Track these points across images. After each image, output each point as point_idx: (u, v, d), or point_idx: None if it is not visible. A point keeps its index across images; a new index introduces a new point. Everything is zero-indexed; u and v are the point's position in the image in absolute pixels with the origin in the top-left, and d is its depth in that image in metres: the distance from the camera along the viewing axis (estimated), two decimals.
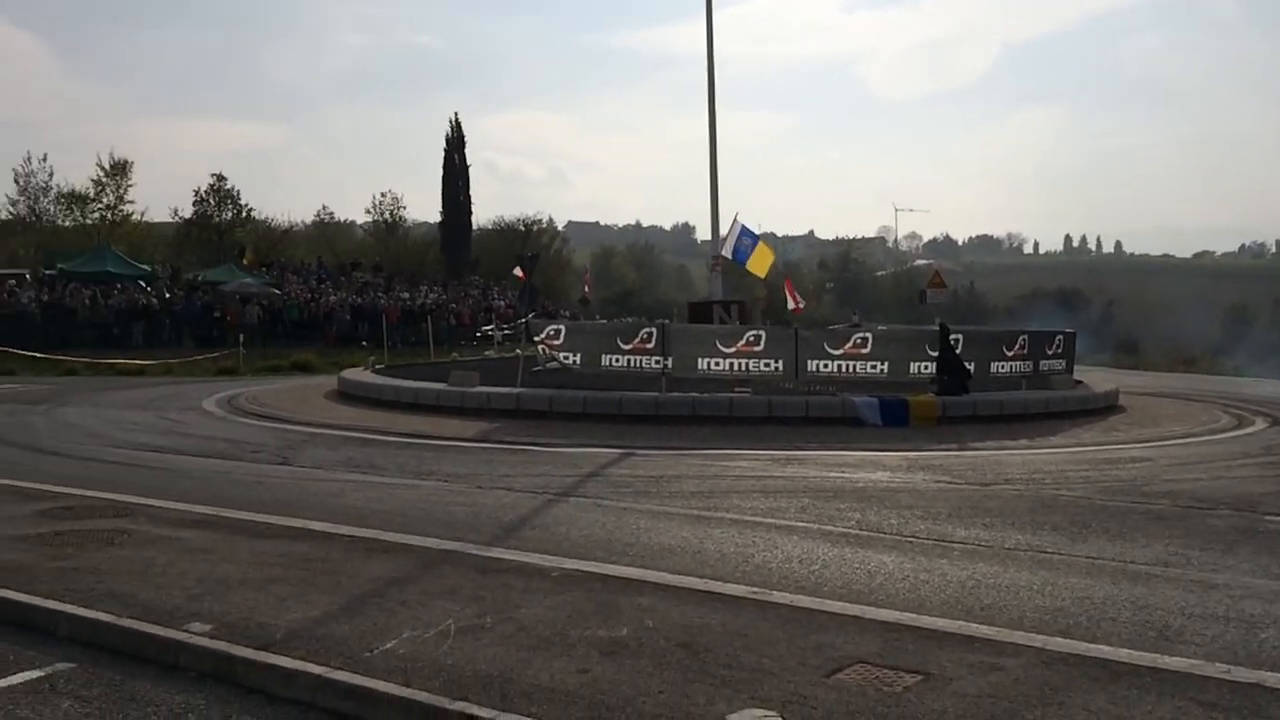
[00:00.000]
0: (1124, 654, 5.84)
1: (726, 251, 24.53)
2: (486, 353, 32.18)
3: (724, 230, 24.71)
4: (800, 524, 9.57)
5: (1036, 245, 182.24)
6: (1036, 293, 76.90)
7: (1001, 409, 18.96)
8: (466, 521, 9.60)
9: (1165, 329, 59.78)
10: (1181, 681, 5.41)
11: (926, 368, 19.78)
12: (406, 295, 46.60)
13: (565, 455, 14.10)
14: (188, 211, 56.84)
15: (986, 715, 4.95)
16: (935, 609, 6.76)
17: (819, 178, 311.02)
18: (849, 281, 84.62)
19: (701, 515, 9.98)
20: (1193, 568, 8.01)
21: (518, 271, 39.38)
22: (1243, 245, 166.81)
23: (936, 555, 8.35)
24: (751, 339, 19.69)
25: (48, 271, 42.24)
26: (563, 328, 21.71)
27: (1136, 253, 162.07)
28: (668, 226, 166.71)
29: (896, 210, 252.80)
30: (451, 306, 45.74)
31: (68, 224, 52.50)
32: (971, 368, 19.82)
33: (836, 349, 19.74)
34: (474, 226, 62.96)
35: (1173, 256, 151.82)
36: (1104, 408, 21.13)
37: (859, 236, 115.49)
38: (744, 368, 19.48)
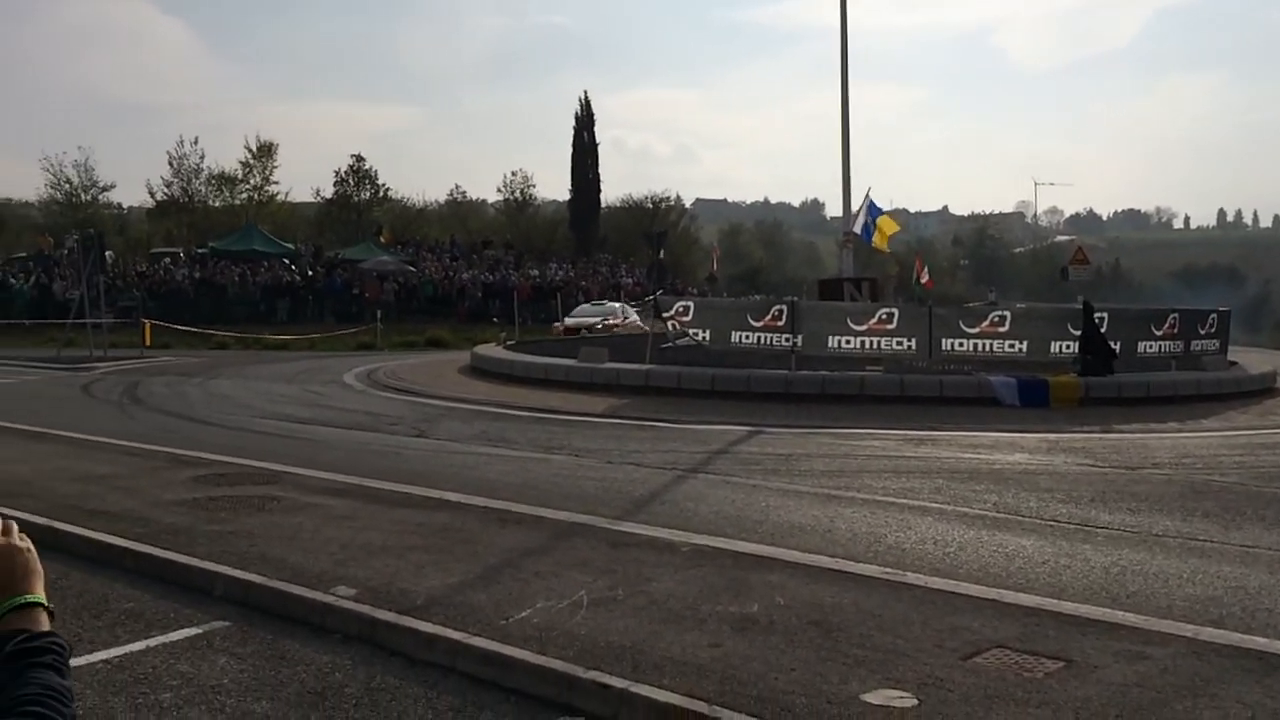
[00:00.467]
0: None
1: (857, 228, 24.14)
2: (615, 329, 32.45)
3: (855, 206, 24.32)
4: (934, 505, 9.38)
5: (1187, 220, 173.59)
6: (1187, 270, 73.47)
7: (1149, 390, 18.16)
8: (597, 495, 9.72)
9: None
10: None
11: (1068, 347, 19.06)
12: (536, 272, 47.31)
13: (694, 432, 14.13)
14: (328, 192, 58.83)
15: (1133, 705, 4.78)
16: (1078, 595, 6.54)
17: (953, 152, 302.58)
18: (985, 258, 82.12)
19: (832, 494, 9.88)
20: None
21: (661, 255, 39.52)
22: None
23: (1079, 540, 8.07)
24: (884, 317, 19.33)
25: (200, 250, 44.33)
26: (691, 304, 21.71)
27: None
28: (796, 203, 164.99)
29: (1036, 184, 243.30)
30: (580, 283, 46.23)
31: (217, 204, 54.87)
32: (1117, 347, 19.03)
33: (973, 327, 19.20)
34: (602, 204, 63.41)
35: None
36: (1260, 390, 20.01)
37: (995, 212, 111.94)
38: (875, 346, 19.14)
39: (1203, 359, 20.79)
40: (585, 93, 61.40)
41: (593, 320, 34.26)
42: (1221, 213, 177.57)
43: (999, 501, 9.55)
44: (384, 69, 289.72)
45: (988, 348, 19.03)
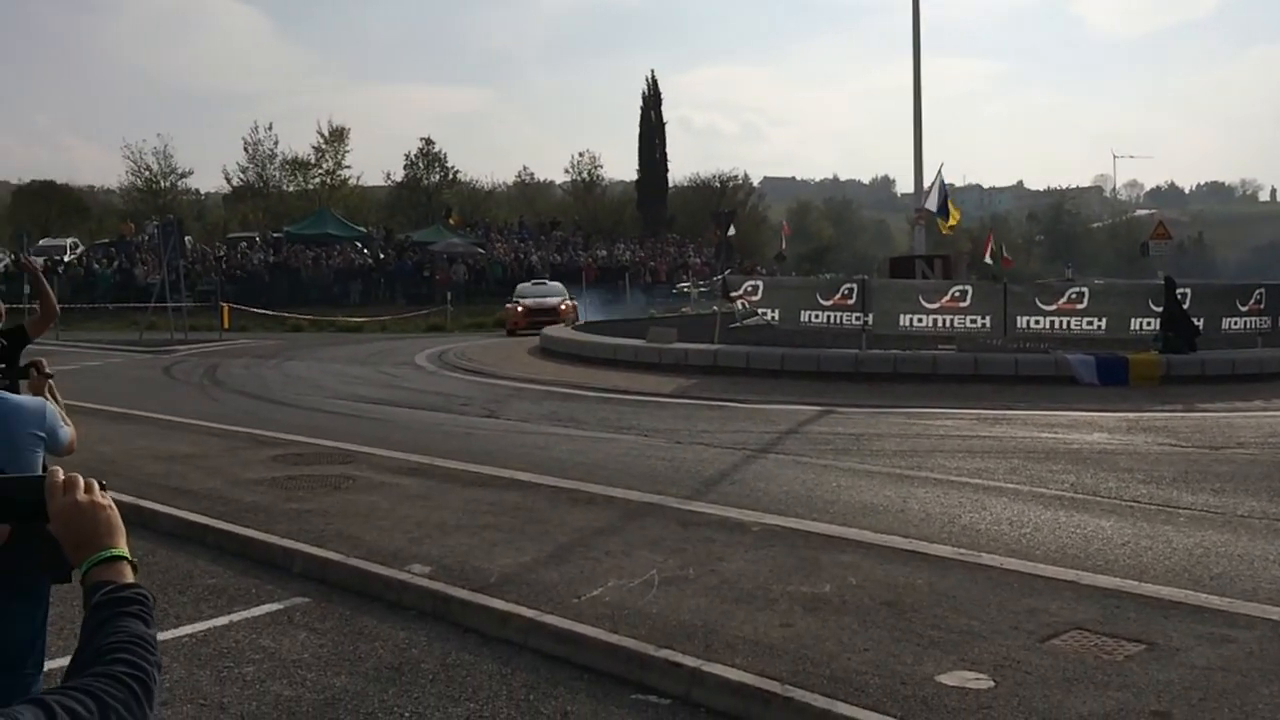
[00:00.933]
0: None
1: (930, 205, 23.77)
2: (683, 309, 32.40)
3: (927, 183, 23.94)
4: (1010, 485, 9.23)
5: (1274, 192, 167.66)
6: (1275, 243, 71.04)
7: (1233, 368, 17.63)
8: (666, 475, 9.74)
9: None
10: None
11: (1149, 324, 18.57)
12: (604, 253, 47.40)
13: (763, 412, 14.07)
14: (399, 175, 59.52)
15: (1217, 689, 4.67)
16: (1159, 577, 6.40)
17: (1029, 125, 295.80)
18: (1061, 234, 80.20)
19: (904, 474, 9.77)
20: None
21: (729, 231, 39.29)
22: None
23: (1160, 521, 7.89)
24: (957, 294, 19.00)
25: (275, 234, 45.17)
26: (760, 283, 21.59)
27: None
28: (866, 180, 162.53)
29: (1115, 157, 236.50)
30: (649, 263, 46.22)
31: (291, 189, 55.82)
32: (1200, 324, 18.50)
33: (1049, 304, 18.80)
34: (670, 184, 63.24)
35: None
36: None
37: (1072, 186, 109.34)
38: (948, 324, 18.84)
39: None
40: (652, 72, 61.21)
41: (554, 302, 31.82)
42: None
43: (1077, 482, 9.36)
44: (453, 51, 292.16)
45: (1065, 325, 18.62)
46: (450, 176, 60.21)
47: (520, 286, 34.88)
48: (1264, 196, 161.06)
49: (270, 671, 5.33)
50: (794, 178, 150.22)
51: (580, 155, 68.07)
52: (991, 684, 4.75)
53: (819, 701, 4.60)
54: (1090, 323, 18.60)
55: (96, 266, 39.54)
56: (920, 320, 18.93)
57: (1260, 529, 7.63)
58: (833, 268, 56.48)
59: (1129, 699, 4.57)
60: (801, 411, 13.90)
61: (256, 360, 22.53)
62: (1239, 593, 6.07)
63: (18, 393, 3.94)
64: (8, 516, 1.53)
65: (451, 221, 49.42)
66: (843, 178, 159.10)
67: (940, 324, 18.87)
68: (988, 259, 36.07)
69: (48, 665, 2.78)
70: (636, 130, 61.83)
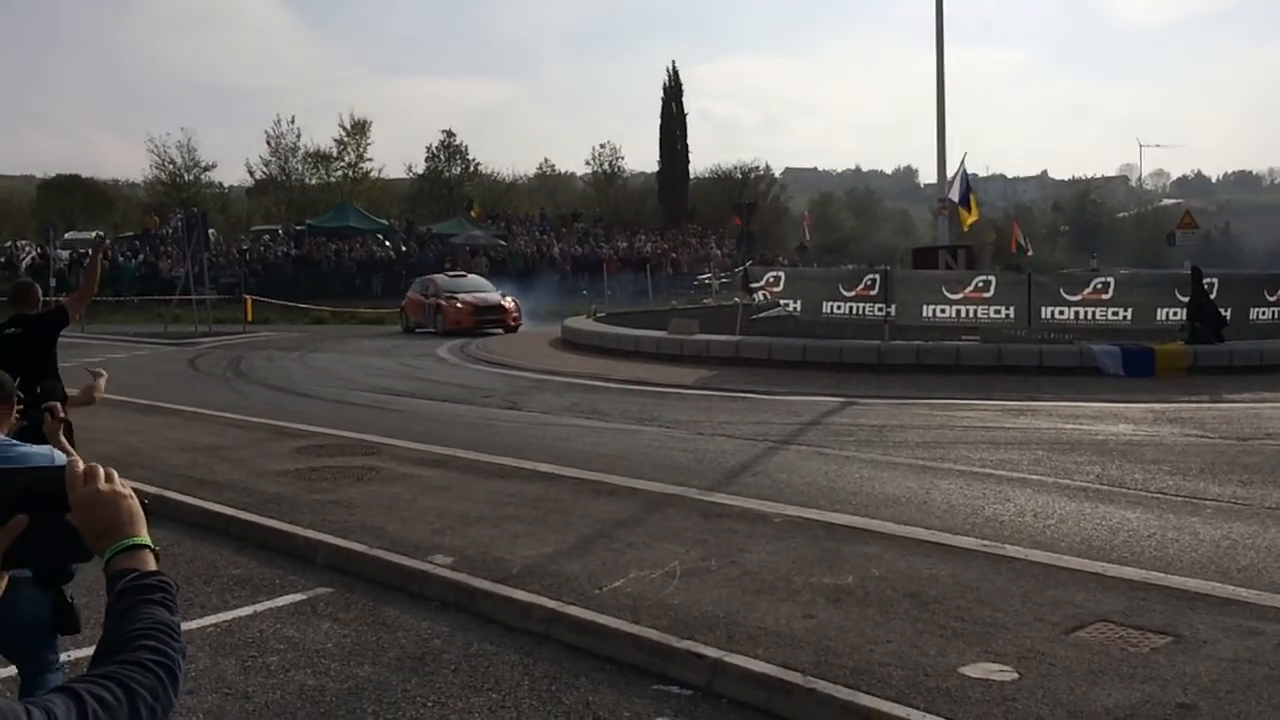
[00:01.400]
0: None
1: (953, 195, 23.62)
2: (705, 301, 32.32)
3: (950, 173, 23.78)
4: (1034, 477, 9.17)
5: None
6: None
7: (1261, 358, 17.43)
8: (688, 467, 9.73)
9: None
10: None
11: (1175, 314, 18.39)
12: (625, 244, 47.36)
13: (785, 403, 14.03)
14: (420, 167, 59.63)
15: (1244, 681, 4.62)
16: (1185, 569, 6.35)
17: (1053, 114, 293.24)
18: (1086, 224, 79.45)
19: (927, 466, 9.72)
20: None
21: (737, 219, 39.14)
22: None
23: (1186, 513, 7.82)
24: (980, 285, 18.89)
25: (297, 227, 45.36)
26: (782, 274, 21.53)
27: None
28: (888, 170, 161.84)
29: (1141, 146, 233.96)
30: (670, 255, 46.16)
31: (313, 182, 56.03)
32: (1227, 314, 18.31)
33: (1074, 295, 18.66)
34: (691, 175, 63.07)
35: None
36: None
37: (1097, 176, 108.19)
38: (971, 315, 18.73)
39: None
40: (673, 63, 60.78)
41: (496, 298, 27.90)
42: None
43: (1102, 473, 9.29)
44: (475, 44, 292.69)
45: (1090, 315, 18.49)
46: (472, 169, 60.28)
47: (437, 279, 28.89)
48: None
49: (294, 661, 5.36)
50: (816, 168, 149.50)
51: (601, 147, 68.06)
52: (1016, 676, 4.72)
53: (841, 693, 4.58)
54: (1115, 313, 18.46)
55: (121, 259, 39.84)
56: (943, 311, 18.83)
57: None
58: (855, 259, 56.20)
59: (1155, 691, 4.54)
60: (823, 403, 13.86)
61: (280, 352, 22.65)
62: (1267, 585, 6.01)
63: (39, 428, 4.01)
64: (28, 507, 1.54)
65: (473, 214, 49.49)
66: (865, 168, 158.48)
67: (963, 315, 18.78)
68: (1021, 243, 35.82)
69: (74, 654, 2.81)
70: (658, 121, 61.70)
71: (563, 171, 72.65)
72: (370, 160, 56.86)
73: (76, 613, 2.53)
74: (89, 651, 1.58)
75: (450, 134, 59.49)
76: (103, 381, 6.39)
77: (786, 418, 12.74)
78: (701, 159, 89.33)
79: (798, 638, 5.23)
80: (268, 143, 55.07)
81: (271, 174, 55.63)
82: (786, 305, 20.02)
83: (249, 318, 30.37)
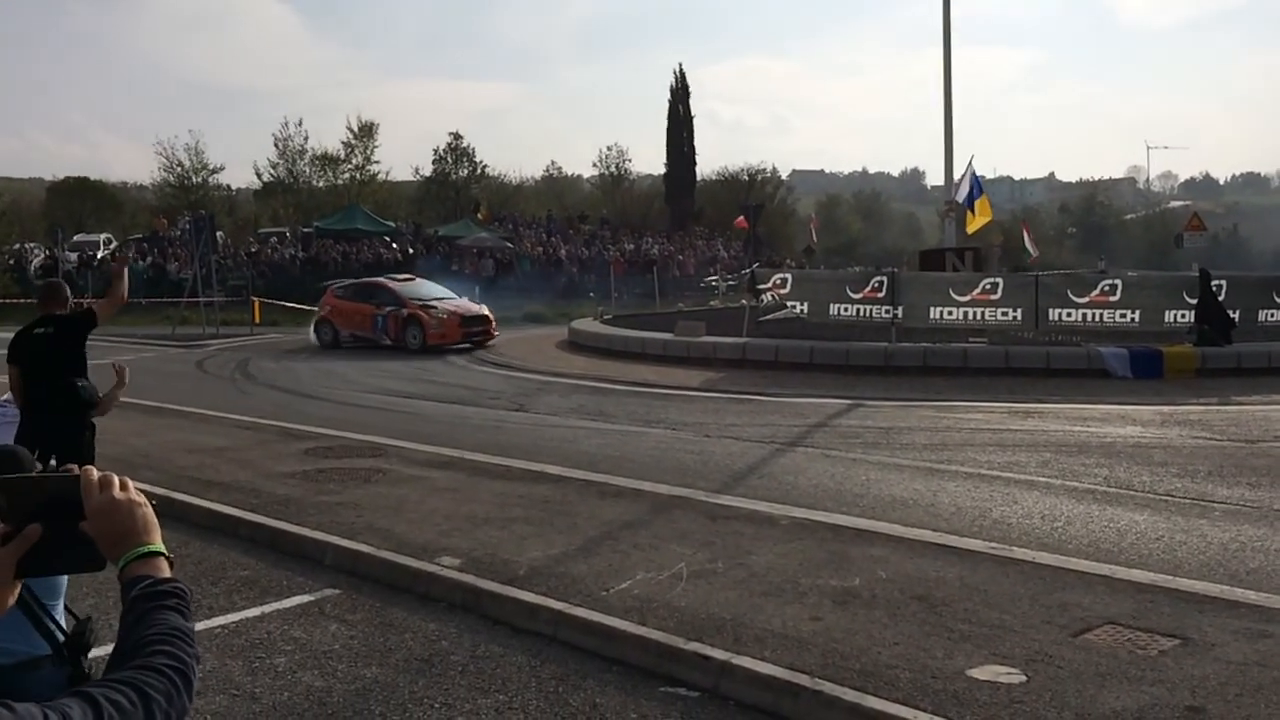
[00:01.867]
0: None
1: (960, 197, 23.56)
2: (711, 303, 32.35)
3: (957, 174, 23.73)
4: (1041, 479, 9.15)
5: None
6: None
7: (1270, 361, 17.38)
8: (695, 469, 9.73)
9: None
10: None
11: (1183, 316, 18.35)
12: (632, 246, 47.36)
13: (792, 405, 14.02)
14: (427, 170, 59.68)
15: (1253, 684, 4.61)
16: (1194, 572, 6.33)
17: (1061, 116, 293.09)
18: (1093, 226, 79.25)
19: (934, 468, 9.71)
20: None
21: (739, 221, 39.10)
22: None
23: (1195, 515, 7.80)
24: (988, 287, 18.86)
25: (305, 229, 45.43)
26: (790, 277, 21.53)
27: None
28: (895, 172, 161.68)
29: (1148, 148, 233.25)
30: (676, 257, 46.15)
31: (321, 184, 56.10)
32: (1235, 316, 18.27)
33: (1081, 297, 18.62)
34: (698, 177, 63.06)
35: None
36: None
37: (1105, 178, 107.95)
38: (979, 317, 18.72)
39: None
40: (680, 65, 61.08)
41: (477, 308, 24.09)
42: None
43: (1110, 476, 9.27)
44: (481, 46, 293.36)
45: (1097, 318, 18.45)
46: (479, 171, 60.30)
47: (389, 284, 24.25)
48: None
49: (301, 662, 5.37)
50: (823, 171, 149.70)
51: (608, 149, 67.87)
52: (1023, 678, 4.71)
53: (849, 695, 4.58)
54: (1123, 315, 18.41)
55: (130, 261, 39.94)
56: (950, 313, 18.81)
57: None
58: (862, 260, 56.15)
59: (1163, 694, 4.53)
60: (831, 405, 13.85)
61: (287, 354, 22.68)
62: (1276, 587, 6.00)
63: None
64: (43, 515, 1.54)
65: (480, 216, 49.50)
66: (872, 170, 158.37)
67: (971, 317, 18.76)
68: (1027, 247, 35.77)
69: (96, 652, 2.82)
70: (664, 124, 61.72)
71: (570, 174, 72.72)
72: (378, 162, 56.92)
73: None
74: (100, 651, 1.59)
75: (457, 136, 59.54)
76: (122, 390, 6.44)
77: (793, 420, 12.74)
78: (708, 161, 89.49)
79: (805, 640, 5.22)
80: (275, 145, 55.12)
81: (279, 176, 55.70)
82: (793, 307, 20.02)
83: (257, 320, 30.42)
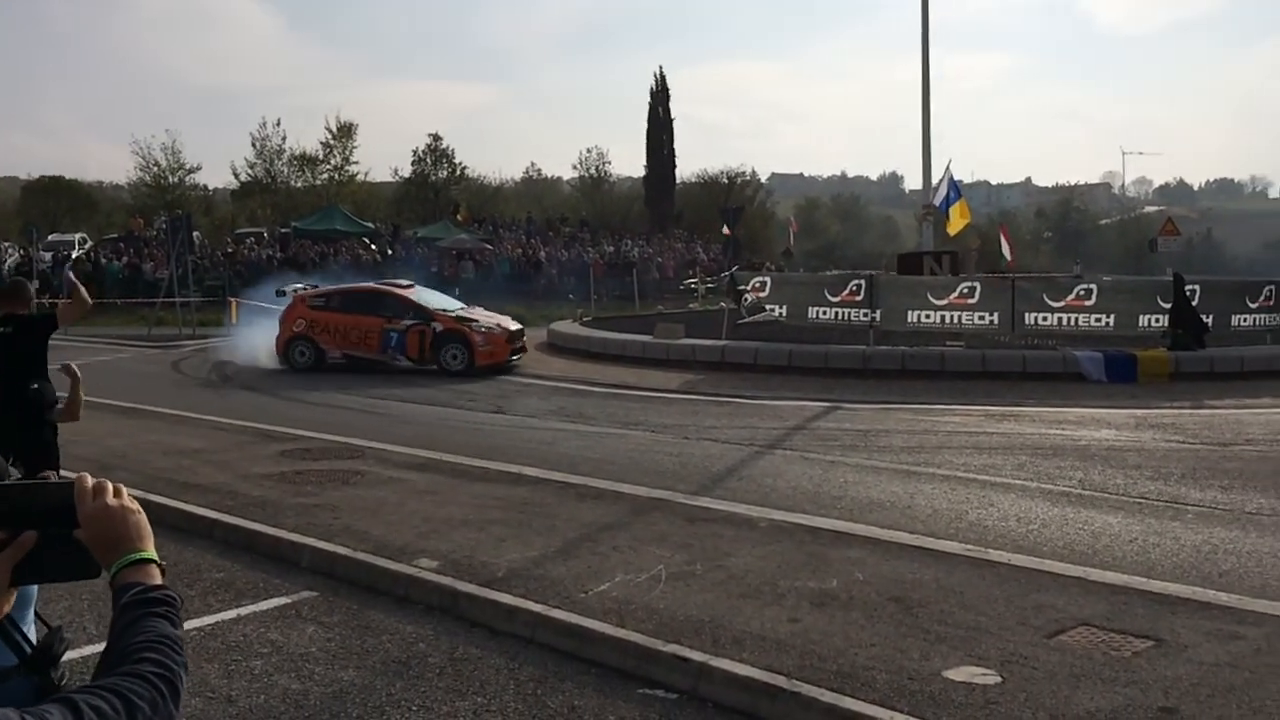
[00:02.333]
0: None
1: (938, 201, 23.70)
2: (691, 305, 32.37)
3: (935, 178, 23.87)
4: (1017, 482, 9.22)
5: None
6: None
7: (1243, 365, 17.58)
8: (674, 471, 9.74)
9: None
10: None
11: (1157, 321, 18.53)
12: (612, 249, 47.37)
13: (770, 408, 14.06)
14: (407, 171, 59.50)
15: (1225, 685, 4.66)
16: (1167, 573, 6.39)
17: (1037, 121, 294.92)
18: (1069, 231, 79.81)
19: (912, 470, 9.76)
20: None
21: (726, 230, 39.17)
22: None
23: (1168, 518, 7.88)
24: (965, 291, 18.99)
25: (282, 230, 45.20)
26: (769, 279, 21.61)
27: None
28: (874, 176, 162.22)
29: (1124, 154, 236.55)
30: (656, 259, 46.19)
31: (299, 185, 55.83)
32: (1209, 321, 18.46)
33: (1057, 301, 18.78)
34: (678, 180, 63.13)
35: None
36: None
37: (1081, 183, 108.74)
38: (956, 320, 18.83)
39: None
40: (660, 68, 61.05)
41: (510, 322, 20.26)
42: None
43: (1085, 478, 9.35)
44: (461, 48, 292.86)
45: (1073, 322, 18.60)
46: (458, 173, 60.17)
47: (400, 294, 19.54)
48: (1274, 193, 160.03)
49: (278, 665, 5.34)
50: (802, 174, 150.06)
51: (588, 151, 67.97)
52: (999, 679, 4.75)
53: (826, 696, 4.60)
54: (1098, 319, 18.58)
55: (105, 261, 39.64)
56: (928, 317, 18.92)
57: (1269, 525, 7.62)
58: (840, 264, 56.34)
59: (1136, 695, 4.57)
60: (809, 407, 13.89)
61: (264, 355, 22.52)
62: (1247, 589, 6.06)
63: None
64: (37, 523, 1.54)
65: (459, 218, 49.39)
66: (851, 174, 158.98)
67: (948, 320, 18.87)
68: (1003, 253, 35.97)
69: (67, 655, 2.80)
70: (644, 126, 61.79)
71: (549, 176, 72.62)
72: (356, 163, 56.74)
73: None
74: (87, 651, 1.58)
75: (437, 137, 59.34)
76: (81, 388, 6.33)
77: (772, 422, 12.78)
78: (688, 164, 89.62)
79: (783, 642, 5.24)
80: (253, 145, 54.87)
81: (257, 176, 55.40)
82: (772, 310, 20.09)
83: (234, 320, 30.24)
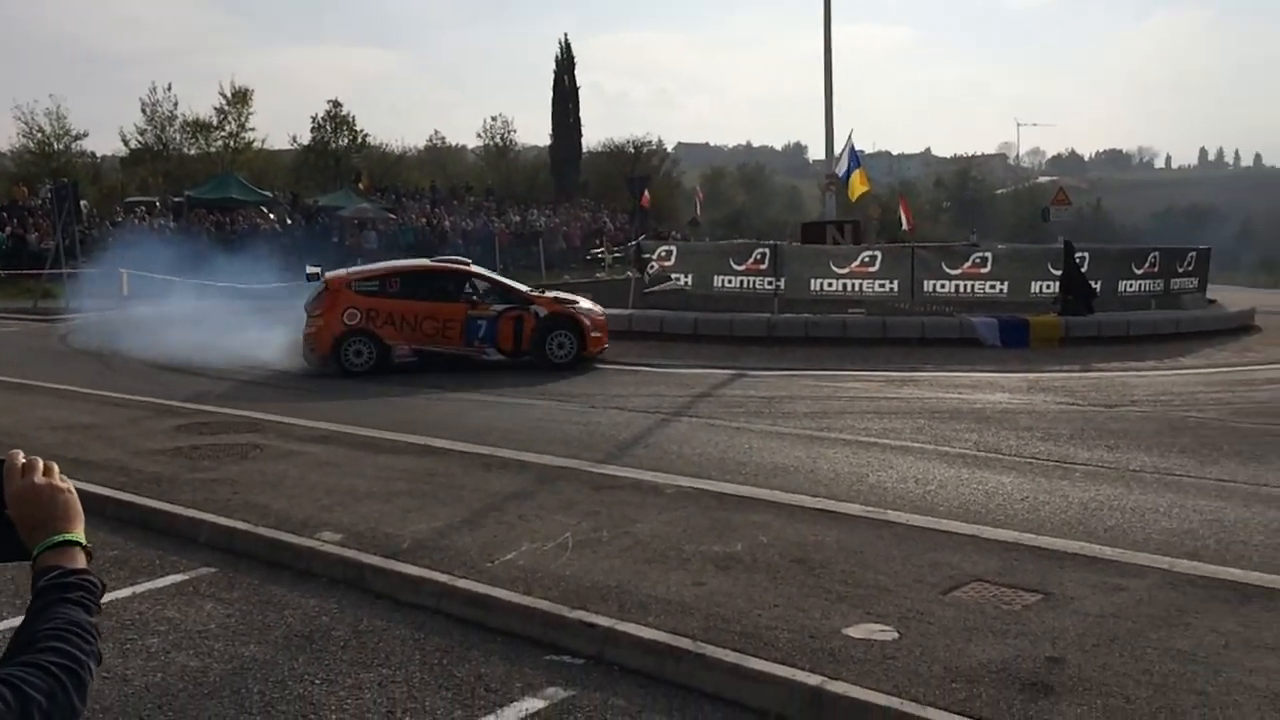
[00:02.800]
0: (1255, 577, 5.67)
1: (840, 171, 24.02)
2: (598, 274, 32.36)
3: (838, 149, 24.18)
4: (916, 445, 9.46)
5: (1169, 160, 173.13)
6: (1169, 210, 73.57)
7: (1128, 329, 18.29)
8: (581, 440, 9.76)
9: None
10: None
11: (1048, 287, 19.14)
12: (518, 218, 46.99)
13: (677, 376, 14.16)
14: (306, 138, 58.06)
15: (1109, 635, 4.87)
16: (1056, 530, 6.64)
17: (937, 93, 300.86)
18: (967, 200, 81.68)
19: (815, 435, 9.94)
20: None
21: (645, 199, 39.01)
22: None
23: (1057, 477, 8.17)
24: (866, 259, 19.34)
25: (175, 199, 43.77)
26: (674, 249, 21.69)
27: (1278, 166, 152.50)
28: (779, 146, 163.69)
29: (1019, 125, 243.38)
30: (562, 229, 45.98)
31: (192, 152, 54.04)
32: (1097, 287, 19.13)
33: (954, 269, 19.25)
34: (584, 149, 62.84)
35: None
36: (1238, 328, 20.16)
37: (978, 153, 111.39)
38: (858, 288, 19.18)
39: (1182, 297, 20.95)
40: (565, 35, 60.64)
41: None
42: (1203, 152, 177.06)
43: (979, 440, 9.64)
44: (362, 12, 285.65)
45: (969, 289, 19.11)
46: (359, 140, 58.91)
47: (484, 272, 16.76)
48: (1159, 164, 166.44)
49: (175, 642, 5.23)
50: (708, 144, 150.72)
51: (493, 119, 67.09)
52: (896, 635, 4.89)
53: (729, 656, 4.68)
54: (993, 286, 19.11)
55: None
56: (831, 285, 19.23)
57: (1151, 482, 7.96)
58: (746, 233, 56.74)
59: (1026, 646, 4.75)
60: (715, 375, 14.03)
61: (158, 327, 21.85)
62: (1131, 543, 6.33)
63: None
64: None
65: (361, 186, 48.41)
66: (756, 144, 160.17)
67: (850, 288, 19.21)
68: (900, 223, 36.62)
69: None
70: (550, 95, 61.29)
71: (454, 144, 71.54)
72: (253, 130, 55.13)
73: None
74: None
75: (337, 104, 57.97)
76: None
77: (678, 390, 12.87)
78: (594, 133, 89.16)
79: (688, 605, 5.31)
80: (143, 110, 52.89)
81: (147, 143, 53.47)
82: (678, 279, 20.19)
83: (125, 292, 29.24)
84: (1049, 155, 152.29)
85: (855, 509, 7.14)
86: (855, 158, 23.34)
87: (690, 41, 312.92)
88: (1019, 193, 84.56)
